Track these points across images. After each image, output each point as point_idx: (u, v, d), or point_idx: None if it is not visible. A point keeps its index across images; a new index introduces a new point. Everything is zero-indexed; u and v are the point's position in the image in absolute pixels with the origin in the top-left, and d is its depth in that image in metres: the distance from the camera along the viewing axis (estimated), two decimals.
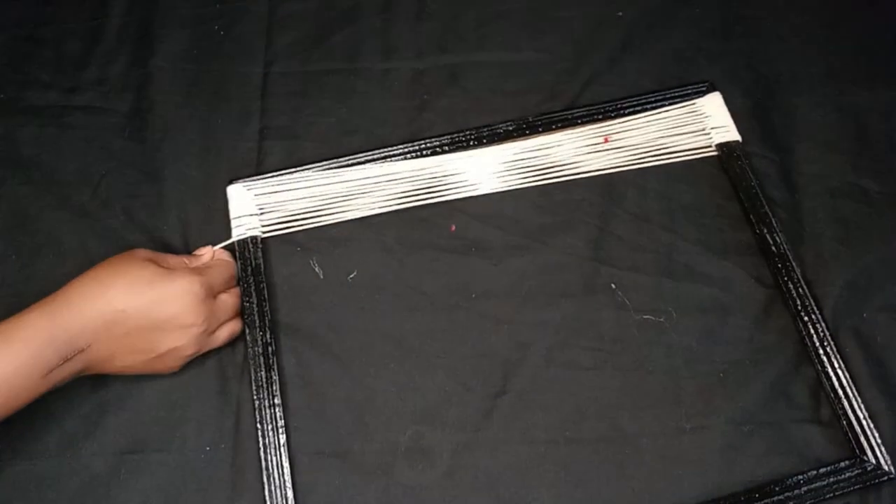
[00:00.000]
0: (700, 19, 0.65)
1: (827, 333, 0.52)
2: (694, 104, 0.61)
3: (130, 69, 0.64)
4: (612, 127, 0.60)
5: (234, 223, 0.56)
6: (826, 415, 0.50)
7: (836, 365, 0.51)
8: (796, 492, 0.47)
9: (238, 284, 0.54)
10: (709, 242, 0.56)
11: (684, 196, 0.58)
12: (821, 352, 0.51)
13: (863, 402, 0.50)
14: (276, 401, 0.50)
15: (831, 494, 0.47)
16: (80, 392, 0.51)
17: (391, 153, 0.59)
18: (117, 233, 0.56)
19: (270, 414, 0.50)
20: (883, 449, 0.48)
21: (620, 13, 0.66)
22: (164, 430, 0.50)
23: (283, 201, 0.57)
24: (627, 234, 0.56)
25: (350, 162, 0.58)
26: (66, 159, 0.59)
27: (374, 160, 0.58)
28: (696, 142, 0.60)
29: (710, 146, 0.60)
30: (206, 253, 0.54)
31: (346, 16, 0.66)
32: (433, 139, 0.59)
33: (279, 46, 0.65)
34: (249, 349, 0.51)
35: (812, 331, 0.52)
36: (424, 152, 0.59)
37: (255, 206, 0.57)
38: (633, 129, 0.60)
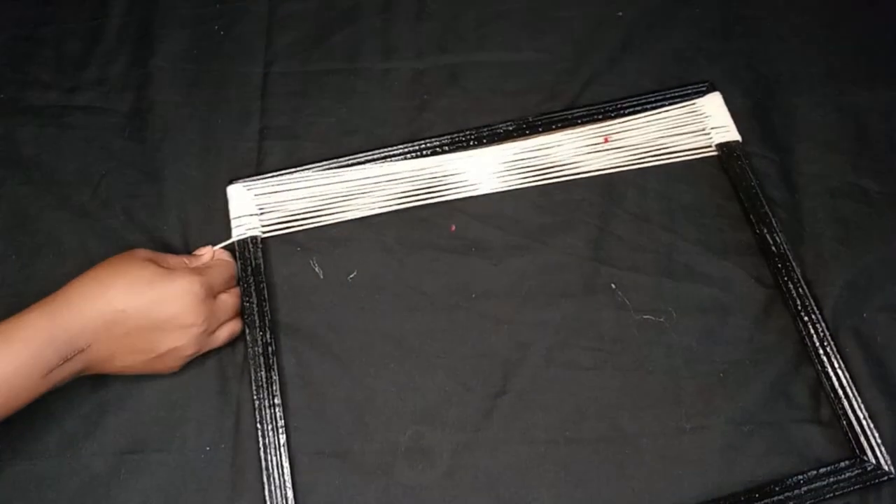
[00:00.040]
0: (700, 19, 0.65)
1: (827, 333, 0.52)
2: (694, 104, 0.61)
3: (130, 69, 0.64)
4: (612, 127, 0.60)
5: (234, 223, 0.56)
6: (826, 415, 0.50)
7: (836, 365, 0.51)
8: (796, 492, 0.47)
9: (238, 284, 0.54)
10: (709, 242, 0.56)
11: (684, 196, 0.58)
12: (821, 352, 0.51)
13: (863, 402, 0.50)
14: (276, 401, 0.50)
15: (831, 494, 0.47)
16: (80, 392, 0.51)
17: (391, 153, 0.59)
18: (117, 233, 0.56)
19: (270, 414, 0.50)
20: (883, 449, 0.48)
21: (620, 13, 0.66)
22: (164, 430, 0.50)
23: (283, 201, 0.57)
24: (627, 234, 0.56)
25: (350, 162, 0.58)
26: (66, 159, 0.59)
27: (374, 160, 0.58)
28: (696, 142, 0.60)
29: (710, 146, 0.60)
30: (206, 253, 0.54)
31: (346, 16, 0.66)
32: (433, 139, 0.59)
33: (279, 46, 0.65)
34: (249, 349, 0.51)
35: (812, 331, 0.52)
36: (424, 152, 0.59)
37: (255, 206, 0.57)
38: (633, 129, 0.60)
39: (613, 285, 0.54)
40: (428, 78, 0.63)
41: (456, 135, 0.60)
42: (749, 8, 0.66)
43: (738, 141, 0.59)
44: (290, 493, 0.48)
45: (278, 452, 0.49)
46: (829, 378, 0.51)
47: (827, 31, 0.64)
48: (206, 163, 0.59)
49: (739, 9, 0.66)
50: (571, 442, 0.50)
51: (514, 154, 0.59)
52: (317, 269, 0.55)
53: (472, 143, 0.59)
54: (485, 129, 0.60)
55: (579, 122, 0.60)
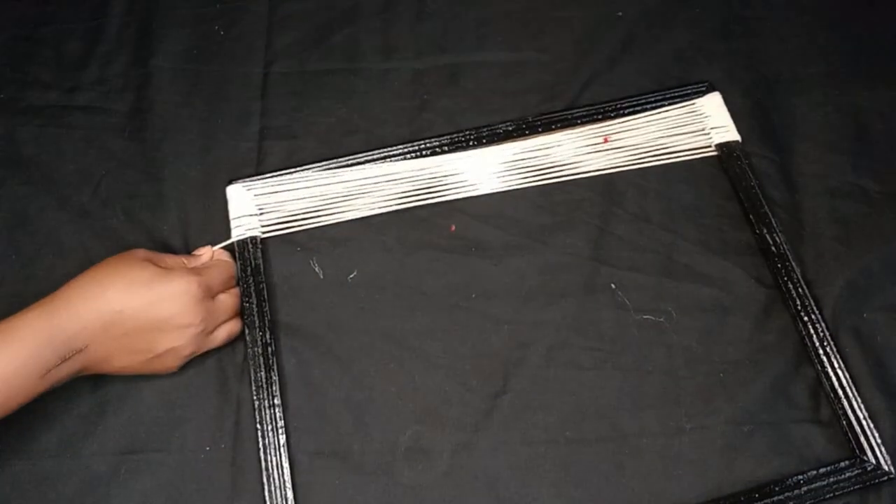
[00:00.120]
0: (700, 19, 0.65)
1: (827, 333, 0.52)
2: (694, 104, 0.61)
3: (130, 69, 0.64)
4: (612, 127, 0.60)
5: (233, 223, 0.56)
6: (826, 415, 0.50)
7: (836, 365, 0.51)
8: (796, 492, 0.47)
9: (237, 284, 0.54)
10: (709, 242, 0.56)
11: (684, 196, 0.58)
12: (821, 352, 0.51)
13: (863, 402, 0.50)
14: (276, 401, 0.50)
15: (831, 494, 0.47)
16: (80, 392, 0.51)
17: (391, 153, 0.59)
18: (117, 233, 0.56)
19: (270, 414, 0.50)
20: (883, 449, 0.48)
21: (620, 13, 0.66)
22: (164, 430, 0.50)
23: (283, 201, 0.57)
24: (627, 234, 0.56)
25: (350, 162, 0.58)
26: (66, 159, 0.59)
27: (374, 160, 0.58)
28: (695, 142, 0.60)
29: (709, 146, 0.60)
30: (206, 253, 0.54)
31: (346, 16, 0.66)
32: (433, 139, 0.59)
33: (279, 46, 0.65)
34: (249, 349, 0.51)
35: (812, 331, 0.52)
36: (424, 152, 0.59)
37: (255, 206, 0.57)
38: (632, 129, 0.60)
39: (613, 285, 0.54)
40: (428, 78, 0.63)
41: (456, 135, 0.60)
42: (749, 8, 0.66)
43: (737, 141, 0.59)
44: (290, 493, 0.48)
45: (278, 452, 0.49)
46: (829, 378, 0.51)
47: (827, 31, 0.64)
48: (206, 163, 0.59)
49: (739, 9, 0.66)
50: (571, 442, 0.50)
51: (514, 154, 0.59)
52: (317, 269, 0.55)
53: (471, 143, 0.59)
54: (485, 129, 0.60)
55: (579, 122, 0.60)
